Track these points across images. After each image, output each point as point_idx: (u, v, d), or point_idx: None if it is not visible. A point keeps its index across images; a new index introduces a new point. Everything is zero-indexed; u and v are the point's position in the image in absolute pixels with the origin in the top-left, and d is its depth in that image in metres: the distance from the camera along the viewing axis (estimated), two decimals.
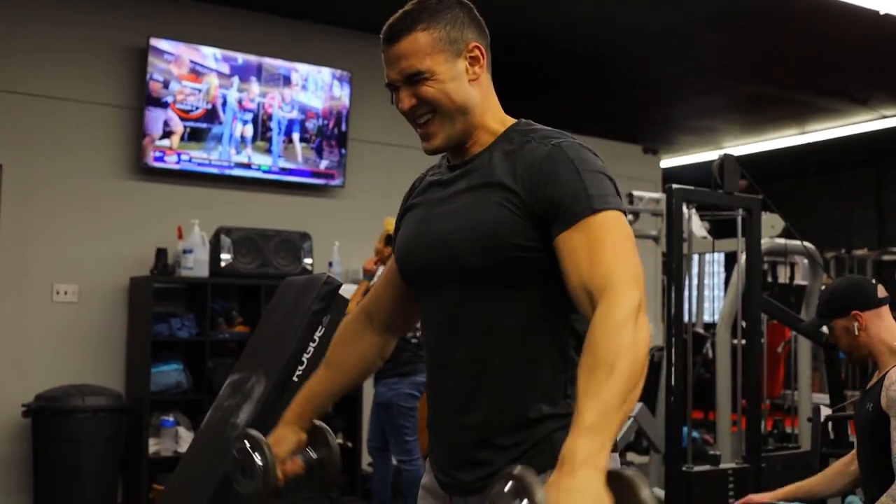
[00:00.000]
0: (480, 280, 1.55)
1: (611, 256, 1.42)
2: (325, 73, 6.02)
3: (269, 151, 5.86)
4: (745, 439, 3.50)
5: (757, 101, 8.21)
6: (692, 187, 3.43)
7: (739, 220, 3.52)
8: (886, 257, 10.32)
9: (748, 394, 3.46)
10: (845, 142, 9.45)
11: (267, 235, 5.57)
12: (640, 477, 1.19)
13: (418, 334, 4.85)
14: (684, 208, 3.43)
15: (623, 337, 1.31)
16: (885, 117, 8.67)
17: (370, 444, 5.04)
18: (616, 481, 1.18)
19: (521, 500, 1.14)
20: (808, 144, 9.57)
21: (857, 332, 2.83)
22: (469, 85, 1.61)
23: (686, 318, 3.63)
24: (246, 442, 1.79)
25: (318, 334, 2.53)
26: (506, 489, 1.17)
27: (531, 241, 1.51)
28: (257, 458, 1.74)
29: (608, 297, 1.37)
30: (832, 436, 3.56)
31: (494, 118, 1.65)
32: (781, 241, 4.72)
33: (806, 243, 4.54)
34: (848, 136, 9.25)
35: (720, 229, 4.90)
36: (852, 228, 10.92)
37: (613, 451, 1.62)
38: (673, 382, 3.30)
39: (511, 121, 1.66)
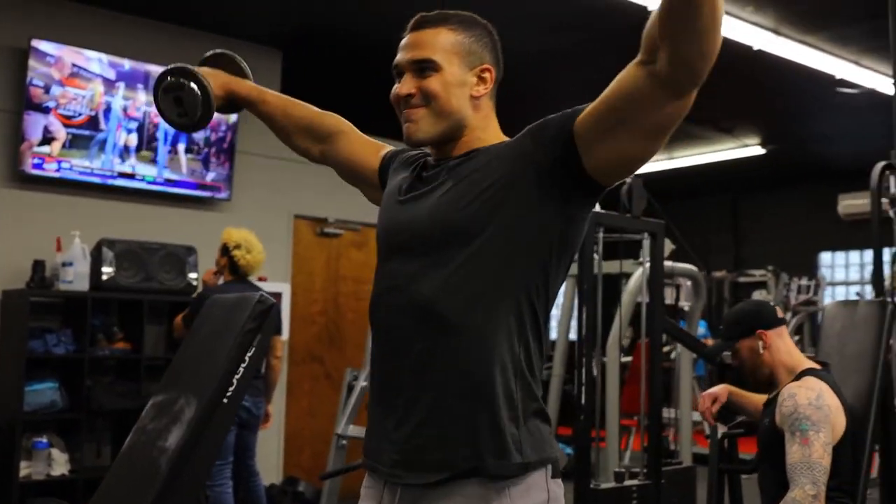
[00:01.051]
0: (456, 245, 1.54)
1: None
2: None
3: (154, 162, 5.66)
4: (648, 455, 3.61)
5: None
6: (604, 211, 3.53)
7: (645, 243, 3.64)
8: (742, 279, 10.86)
9: (650, 411, 3.58)
10: (707, 167, 9.91)
11: (151, 249, 5.37)
12: None
13: None
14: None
15: None
16: (746, 146, 9.14)
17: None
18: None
19: None
20: (675, 169, 9.98)
21: (761, 351, 2.98)
22: (469, 99, 1.65)
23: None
24: (179, 76, 1.87)
25: (248, 354, 2.47)
26: None
27: (528, 213, 1.53)
28: (195, 87, 1.85)
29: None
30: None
31: (490, 137, 1.69)
32: (668, 263, 4.91)
33: (692, 266, 4.74)
34: (710, 163, 9.71)
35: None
36: (711, 251, 11.44)
37: (555, 476, 1.59)
38: (584, 401, 3.37)
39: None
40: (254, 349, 2.49)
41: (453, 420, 1.52)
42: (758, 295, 10.23)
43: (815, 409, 2.69)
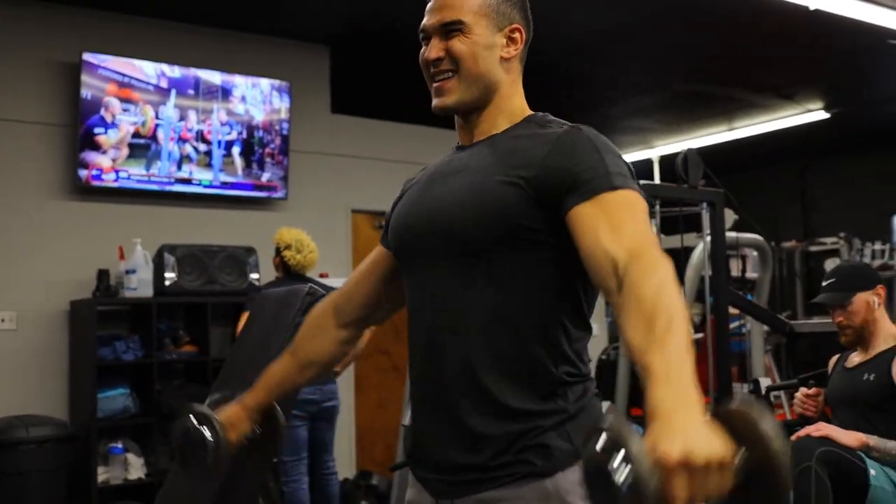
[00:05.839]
0: (477, 255, 1.49)
1: (634, 227, 1.37)
2: (263, 85, 5.90)
3: (209, 166, 5.71)
4: None
5: (689, 99, 8.33)
6: (658, 183, 3.45)
7: (704, 213, 3.54)
8: (813, 248, 10.56)
9: (719, 384, 3.49)
10: (771, 137, 9.65)
11: (211, 252, 5.43)
12: (756, 407, 1.06)
13: None
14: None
15: (672, 294, 1.22)
16: (809, 111, 8.88)
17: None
18: (726, 419, 1.05)
19: (616, 454, 1.00)
20: (736, 140, 9.75)
21: (875, 307, 2.91)
22: (499, 61, 1.60)
23: None
24: (193, 418, 1.72)
25: None
26: (597, 446, 1.04)
27: (535, 223, 1.47)
28: (208, 435, 1.69)
29: (644, 260, 1.29)
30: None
31: (515, 106, 1.63)
32: (733, 234, 4.78)
33: (757, 236, 4.61)
34: (773, 131, 9.46)
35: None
36: (779, 221, 11.16)
37: None
38: None
39: (530, 112, 1.65)
40: None
41: (500, 439, 1.49)
42: (830, 263, 9.96)
43: None
